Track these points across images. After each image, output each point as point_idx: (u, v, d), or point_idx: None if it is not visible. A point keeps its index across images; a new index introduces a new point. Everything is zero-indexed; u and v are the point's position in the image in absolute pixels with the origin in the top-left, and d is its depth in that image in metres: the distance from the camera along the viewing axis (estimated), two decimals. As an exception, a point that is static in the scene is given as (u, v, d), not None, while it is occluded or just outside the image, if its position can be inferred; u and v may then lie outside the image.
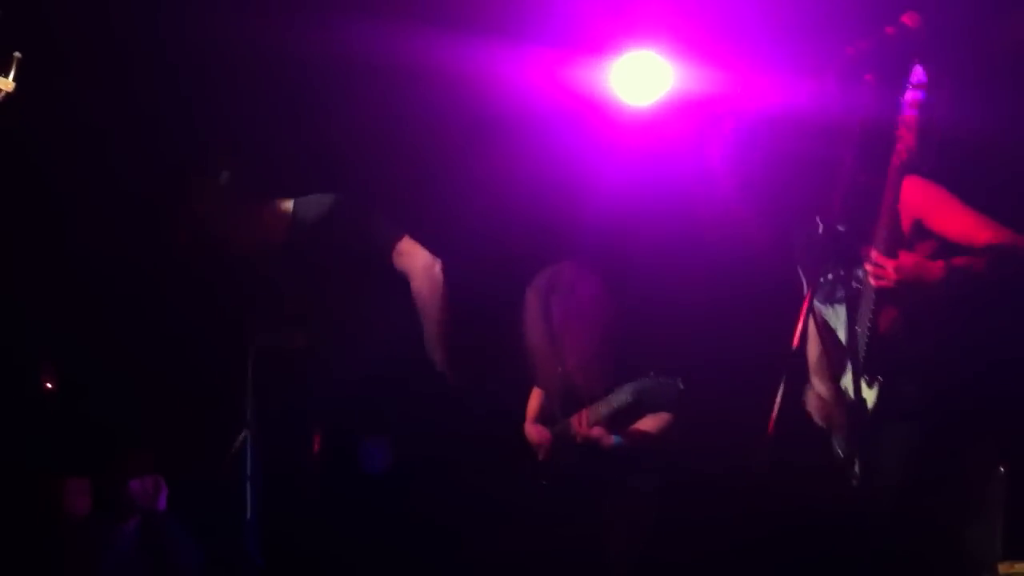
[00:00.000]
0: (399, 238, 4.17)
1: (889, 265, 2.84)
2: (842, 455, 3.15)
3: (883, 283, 2.82)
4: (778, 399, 2.84)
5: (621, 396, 4.78)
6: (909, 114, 2.88)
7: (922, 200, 3.06)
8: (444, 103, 5.34)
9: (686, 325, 5.07)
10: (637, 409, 4.83)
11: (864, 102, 2.96)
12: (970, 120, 3.69)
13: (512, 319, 5.17)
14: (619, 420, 4.84)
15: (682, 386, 4.62)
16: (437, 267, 4.14)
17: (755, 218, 3.63)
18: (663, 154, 5.10)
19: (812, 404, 3.41)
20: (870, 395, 3.04)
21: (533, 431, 5.04)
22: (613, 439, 4.77)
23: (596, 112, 5.42)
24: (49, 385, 4.73)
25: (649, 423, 4.83)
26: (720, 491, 4.77)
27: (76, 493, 4.46)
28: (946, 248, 3.00)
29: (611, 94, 5.39)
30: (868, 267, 2.87)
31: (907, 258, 2.85)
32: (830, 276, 3.07)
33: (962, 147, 4.06)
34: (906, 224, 3.04)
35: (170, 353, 5.15)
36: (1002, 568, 4.45)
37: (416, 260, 4.10)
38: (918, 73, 2.87)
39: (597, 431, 4.71)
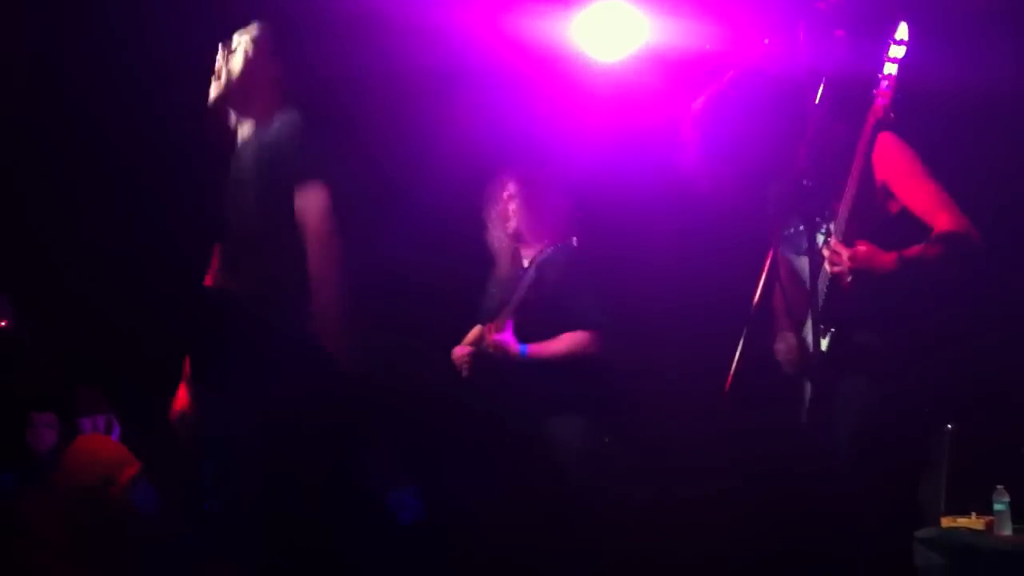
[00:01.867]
0: (316, 178, 3.64)
1: (844, 253, 2.90)
2: (807, 403, 3.21)
3: (838, 269, 2.87)
4: (737, 355, 2.88)
5: (520, 293, 4.72)
6: (889, 71, 2.91)
7: (893, 163, 3.09)
8: (398, 56, 5.25)
9: (654, 283, 5.10)
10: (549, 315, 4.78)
11: (836, 57, 2.99)
12: (952, 79, 3.77)
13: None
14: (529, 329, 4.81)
15: (601, 309, 4.62)
16: (328, 227, 3.59)
17: (727, 174, 3.67)
18: (632, 112, 5.07)
19: (780, 352, 3.46)
20: (824, 344, 3.09)
21: (456, 350, 5.02)
22: (519, 348, 4.72)
23: (560, 68, 5.35)
24: (3, 323, 4.66)
25: (562, 341, 4.79)
26: (675, 446, 4.83)
27: (42, 426, 4.43)
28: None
29: (577, 48, 5.31)
30: (825, 252, 2.93)
31: (862, 247, 2.91)
32: (799, 228, 3.11)
33: (943, 106, 4.16)
34: (878, 180, 3.08)
35: (128, 291, 5.10)
36: (944, 522, 4.58)
37: (314, 206, 3.57)
38: (901, 29, 2.90)
39: (502, 336, 4.67)
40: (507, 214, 4.87)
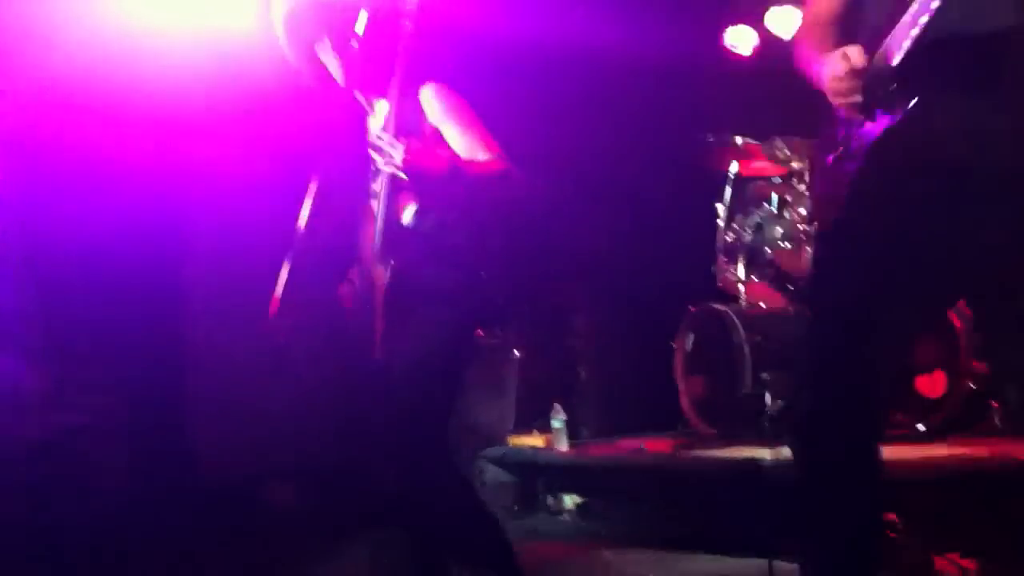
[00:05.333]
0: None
1: (397, 148, 2.93)
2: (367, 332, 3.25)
3: (390, 166, 2.92)
4: (281, 281, 2.90)
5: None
6: (410, 4, 2.95)
7: (441, 110, 3.18)
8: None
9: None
10: None
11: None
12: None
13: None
14: None
15: None
16: None
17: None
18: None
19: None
20: (384, 276, 3.15)
21: None
22: None
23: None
24: None
25: None
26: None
27: None
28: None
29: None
30: (372, 150, 2.96)
31: (415, 144, 2.96)
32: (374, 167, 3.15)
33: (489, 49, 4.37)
34: (426, 127, 3.16)
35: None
36: (512, 440, 4.95)
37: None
38: None
39: None
40: None
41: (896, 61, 2.05)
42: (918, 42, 1.99)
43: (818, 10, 2.41)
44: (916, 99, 2.04)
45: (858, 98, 2.11)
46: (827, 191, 2.32)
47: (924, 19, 1.97)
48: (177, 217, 4.50)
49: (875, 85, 2.09)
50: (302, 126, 3.41)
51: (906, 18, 2.01)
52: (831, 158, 2.29)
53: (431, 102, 3.07)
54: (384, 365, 3.03)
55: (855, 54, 2.10)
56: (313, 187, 2.90)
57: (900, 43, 2.03)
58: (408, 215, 3.04)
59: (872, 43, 2.14)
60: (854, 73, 2.10)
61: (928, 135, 2.09)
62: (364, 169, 3.17)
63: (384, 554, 3.32)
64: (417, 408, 2.94)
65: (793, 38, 2.43)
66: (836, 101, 2.18)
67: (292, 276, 2.87)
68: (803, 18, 2.49)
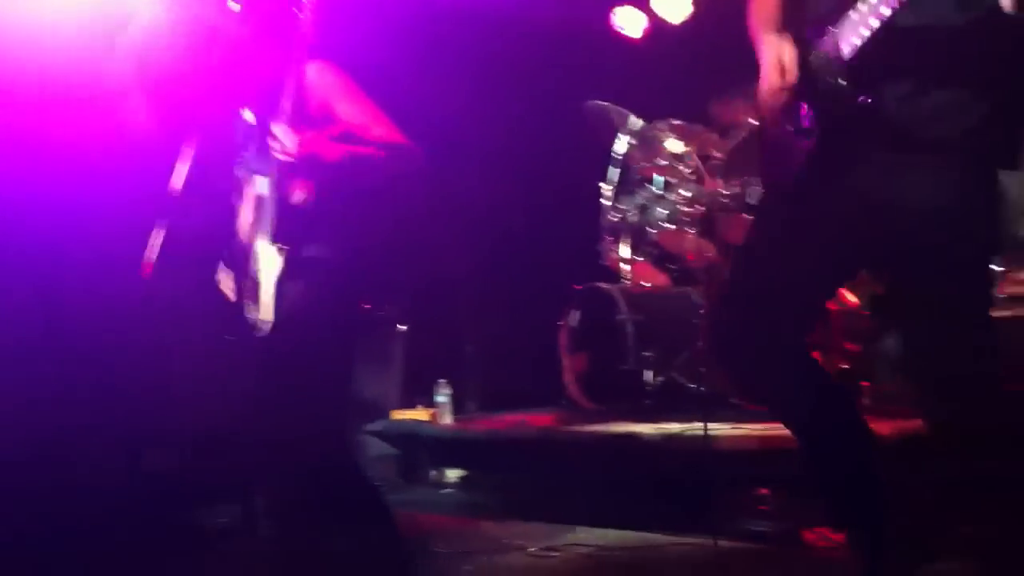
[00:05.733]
0: None
1: (290, 140, 2.93)
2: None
3: (285, 157, 2.91)
4: (153, 248, 2.86)
5: None
6: None
7: (328, 86, 3.17)
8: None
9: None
10: None
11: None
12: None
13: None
14: None
15: None
16: None
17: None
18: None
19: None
20: (278, 258, 3.13)
21: None
22: None
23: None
24: None
25: None
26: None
27: None
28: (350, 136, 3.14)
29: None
30: (270, 140, 2.94)
31: (308, 135, 2.96)
32: (252, 152, 3.12)
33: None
34: (313, 107, 3.14)
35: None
36: (394, 414, 4.95)
37: None
38: None
39: None
40: None
41: (846, 55, 2.14)
42: (870, 40, 2.09)
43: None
44: (868, 95, 2.15)
45: (788, 108, 2.25)
46: (777, 166, 2.43)
47: (875, 22, 2.07)
48: (41, 197, 4.38)
49: (823, 75, 2.18)
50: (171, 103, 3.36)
51: (856, 15, 2.11)
52: (779, 134, 2.37)
53: (319, 81, 3.06)
54: (267, 338, 3.00)
55: (789, 68, 2.22)
56: (186, 162, 2.87)
57: (849, 38, 2.12)
58: (299, 196, 3.03)
59: (817, 30, 2.23)
60: (786, 87, 2.23)
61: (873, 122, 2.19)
62: (239, 151, 3.14)
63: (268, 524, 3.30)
64: (299, 380, 2.93)
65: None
66: (770, 103, 2.29)
67: (165, 244, 2.83)
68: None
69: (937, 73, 2.16)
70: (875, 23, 2.09)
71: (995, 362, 2.20)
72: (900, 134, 2.20)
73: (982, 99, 2.18)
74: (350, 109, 3.06)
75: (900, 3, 2.07)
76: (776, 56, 2.27)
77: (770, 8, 2.45)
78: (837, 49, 2.17)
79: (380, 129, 3.03)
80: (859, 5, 2.14)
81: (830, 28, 2.20)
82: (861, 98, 2.19)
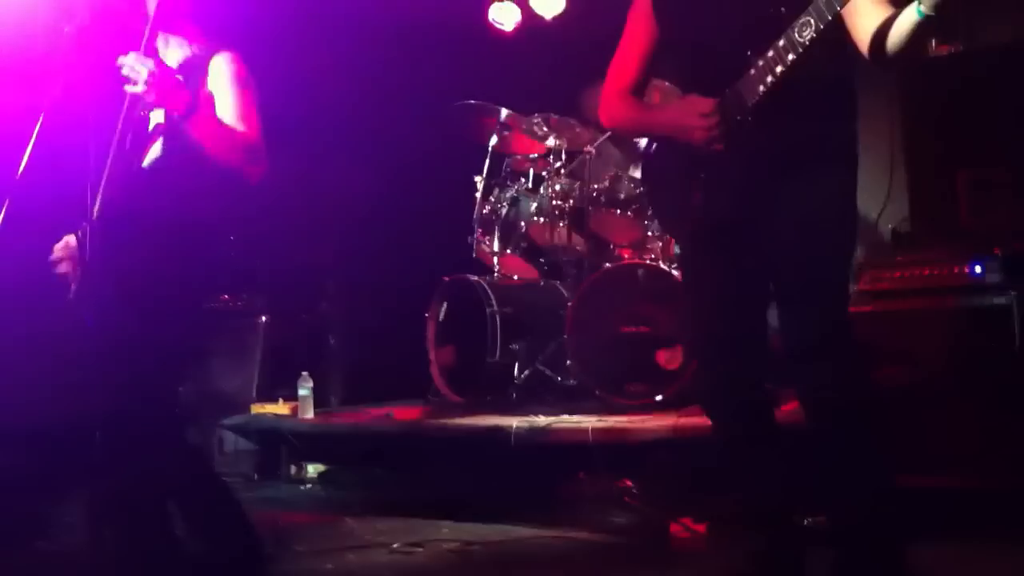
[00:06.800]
0: None
1: (145, 68, 2.77)
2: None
3: (136, 88, 2.75)
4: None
5: None
6: None
7: (225, 77, 3.07)
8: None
9: None
10: None
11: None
12: None
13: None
14: None
15: None
16: None
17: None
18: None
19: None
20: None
21: None
22: None
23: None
24: None
25: None
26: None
27: None
28: None
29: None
30: (123, 71, 2.77)
31: (162, 66, 2.82)
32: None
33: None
34: (205, 91, 3.03)
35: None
36: (253, 408, 4.79)
37: None
38: None
39: None
40: None
41: (751, 103, 2.58)
42: (767, 94, 2.54)
43: (621, 84, 2.83)
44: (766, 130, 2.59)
45: (719, 144, 2.62)
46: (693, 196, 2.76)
47: (771, 80, 2.54)
48: None
49: (732, 118, 2.61)
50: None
51: (755, 73, 2.56)
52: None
53: (219, 68, 2.96)
54: (104, 326, 2.86)
55: (710, 117, 2.60)
56: (34, 135, 2.71)
57: (753, 91, 2.57)
58: (152, 156, 2.89)
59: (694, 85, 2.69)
60: (713, 128, 2.60)
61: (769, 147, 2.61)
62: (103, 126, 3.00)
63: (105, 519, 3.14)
64: (136, 371, 2.79)
65: (601, 105, 2.87)
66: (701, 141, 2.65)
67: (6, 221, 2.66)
68: (608, 92, 2.86)
69: (809, 105, 2.59)
70: (771, 80, 2.55)
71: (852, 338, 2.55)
72: (785, 158, 2.59)
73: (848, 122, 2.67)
74: (230, 101, 2.95)
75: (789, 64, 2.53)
76: (694, 111, 2.63)
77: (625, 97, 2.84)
78: (745, 100, 2.59)
79: (244, 124, 2.91)
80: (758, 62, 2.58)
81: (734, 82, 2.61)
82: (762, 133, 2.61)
